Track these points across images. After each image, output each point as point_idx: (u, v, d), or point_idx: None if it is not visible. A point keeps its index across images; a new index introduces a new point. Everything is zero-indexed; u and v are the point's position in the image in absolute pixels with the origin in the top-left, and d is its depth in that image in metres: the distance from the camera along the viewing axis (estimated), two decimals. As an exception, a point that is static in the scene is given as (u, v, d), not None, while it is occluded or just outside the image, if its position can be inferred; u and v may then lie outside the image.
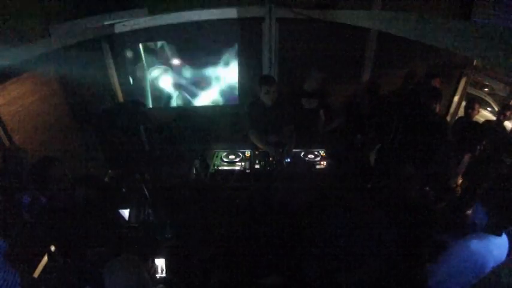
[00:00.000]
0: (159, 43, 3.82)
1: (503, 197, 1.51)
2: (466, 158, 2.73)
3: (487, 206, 1.55)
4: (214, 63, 3.94)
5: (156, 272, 1.92)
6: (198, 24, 3.57)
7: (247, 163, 2.87)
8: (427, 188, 2.19)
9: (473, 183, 2.46)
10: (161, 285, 1.79)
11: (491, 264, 1.54)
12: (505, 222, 1.54)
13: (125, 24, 3.42)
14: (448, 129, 2.94)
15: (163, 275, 1.91)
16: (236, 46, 3.83)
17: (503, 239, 1.58)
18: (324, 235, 1.61)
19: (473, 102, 3.33)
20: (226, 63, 3.94)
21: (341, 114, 3.56)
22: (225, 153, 3.03)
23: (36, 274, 2.25)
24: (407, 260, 1.65)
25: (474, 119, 3.34)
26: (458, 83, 4.32)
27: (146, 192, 2.82)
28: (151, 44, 3.83)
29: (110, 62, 3.83)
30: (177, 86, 4.10)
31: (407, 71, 3.74)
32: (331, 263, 1.61)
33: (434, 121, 2.89)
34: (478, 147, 2.45)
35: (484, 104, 4.86)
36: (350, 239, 1.54)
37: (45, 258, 2.29)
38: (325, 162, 2.90)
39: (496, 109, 4.58)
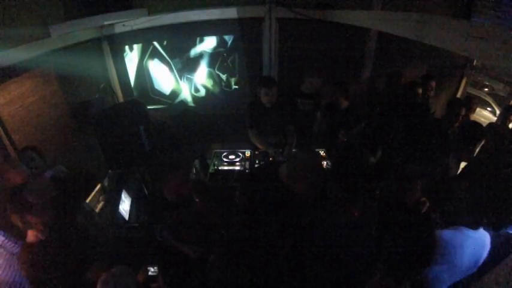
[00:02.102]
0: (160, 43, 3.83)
1: (483, 193, 1.54)
2: (465, 157, 2.72)
3: (466, 200, 1.57)
4: (214, 63, 3.94)
5: (148, 280, 1.91)
6: (198, 24, 3.57)
7: (247, 163, 2.87)
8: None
9: (473, 184, 2.46)
10: None
11: (465, 257, 1.56)
12: (482, 218, 1.57)
13: (125, 24, 3.43)
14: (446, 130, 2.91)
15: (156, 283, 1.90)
16: (236, 46, 3.83)
17: (481, 235, 1.60)
18: (324, 236, 1.61)
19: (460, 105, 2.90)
20: (226, 63, 3.94)
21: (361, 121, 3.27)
22: (225, 153, 3.03)
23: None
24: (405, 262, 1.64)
25: (474, 120, 3.32)
26: (458, 83, 4.32)
27: (146, 192, 2.82)
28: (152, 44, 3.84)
29: (110, 62, 3.83)
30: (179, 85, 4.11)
31: (411, 82, 3.65)
32: (330, 264, 1.61)
33: (434, 122, 2.89)
34: (478, 147, 2.44)
35: (484, 104, 4.87)
36: (349, 239, 1.54)
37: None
38: (325, 163, 2.90)
39: (496, 109, 4.58)
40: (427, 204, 1.98)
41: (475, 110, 3.29)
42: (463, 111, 2.83)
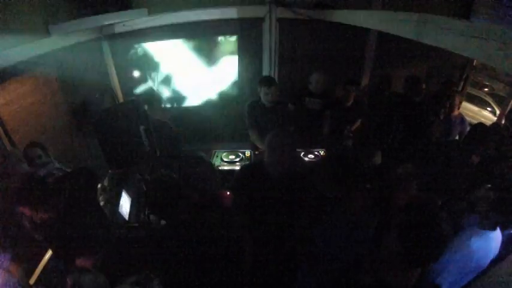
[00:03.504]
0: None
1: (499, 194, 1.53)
2: (474, 159, 2.70)
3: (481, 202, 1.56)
4: (214, 63, 3.94)
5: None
6: (197, 25, 3.57)
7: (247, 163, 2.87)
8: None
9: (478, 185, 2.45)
10: None
11: (490, 259, 1.57)
12: (499, 218, 1.55)
13: (125, 24, 3.42)
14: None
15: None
16: (236, 46, 3.82)
17: (498, 232, 1.61)
18: (323, 235, 1.61)
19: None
20: (226, 64, 3.94)
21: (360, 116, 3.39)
22: (225, 153, 3.03)
23: (36, 274, 2.25)
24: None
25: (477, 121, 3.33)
26: (458, 83, 4.32)
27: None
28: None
29: (110, 62, 3.83)
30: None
31: (410, 77, 3.64)
32: (330, 264, 1.61)
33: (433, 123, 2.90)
34: (484, 148, 2.44)
35: (484, 104, 4.87)
36: (349, 239, 1.54)
37: (45, 258, 2.27)
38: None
39: (496, 109, 4.58)
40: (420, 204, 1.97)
41: (460, 102, 3.31)
42: (447, 104, 2.97)
